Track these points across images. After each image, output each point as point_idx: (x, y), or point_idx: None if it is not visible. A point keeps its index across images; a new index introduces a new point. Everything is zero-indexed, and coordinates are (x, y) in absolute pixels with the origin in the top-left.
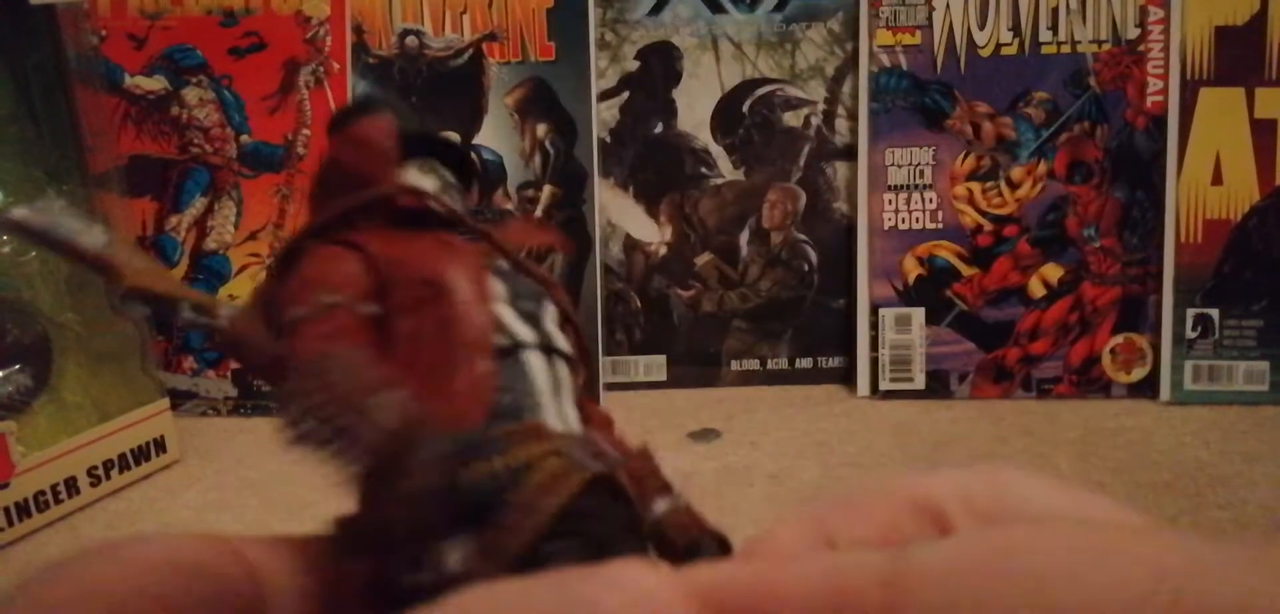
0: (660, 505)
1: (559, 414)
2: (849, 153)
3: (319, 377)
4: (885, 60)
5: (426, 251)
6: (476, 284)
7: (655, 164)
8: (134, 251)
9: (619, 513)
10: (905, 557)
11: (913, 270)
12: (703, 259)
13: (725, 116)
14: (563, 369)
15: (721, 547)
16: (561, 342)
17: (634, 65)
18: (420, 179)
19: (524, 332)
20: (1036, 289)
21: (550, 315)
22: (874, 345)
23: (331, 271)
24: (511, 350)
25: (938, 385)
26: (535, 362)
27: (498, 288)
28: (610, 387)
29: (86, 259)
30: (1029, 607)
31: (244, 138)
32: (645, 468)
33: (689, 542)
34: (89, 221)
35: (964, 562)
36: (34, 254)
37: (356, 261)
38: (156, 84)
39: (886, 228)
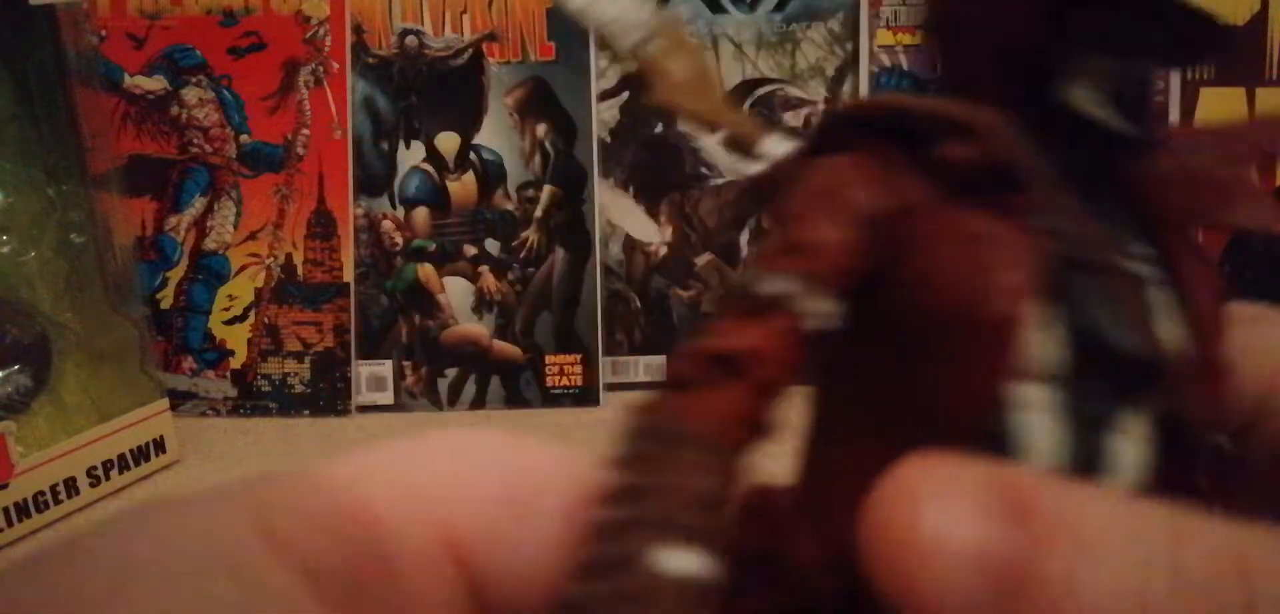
0: None
1: None
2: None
3: (628, 463)
4: (885, 60)
5: (972, 233)
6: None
7: (655, 164)
8: (680, 52)
9: None
10: None
11: None
12: (703, 259)
13: None
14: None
15: None
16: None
17: (634, 65)
18: (1078, 94)
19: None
20: None
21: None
22: None
23: (819, 213)
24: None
25: None
26: (1126, 448)
27: (1044, 342)
28: (610, 387)
29: (627, 54)
30: None
31: (243, 138)
32: None
33: None
34: (638, 9)
35: None
36: (34, 254)
37: (866, 202)
38: (156, 84)
39: None
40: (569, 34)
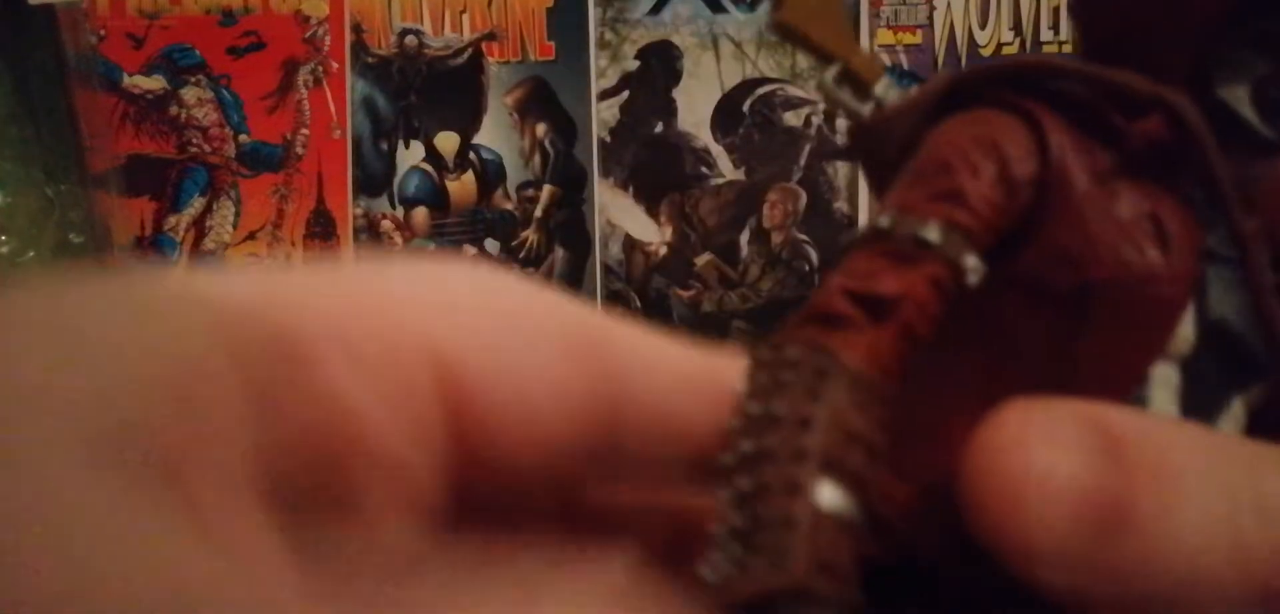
0: None
1: None
2: (850, 152)
3: (765, 395)
4: (886, 60)
5: (1134, 209)
6: (1180, 297)
7: (655, 164)
8: None
9: None
10: None
11: None
12: (703, 259)
13: (726, 116)
14: None
15: None
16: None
17: (634, 65)
18: (1232, 92)
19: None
20: None
21: None
22: None
23: (976, 166)
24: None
25: None
26: (1230, 431)
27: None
28: None
29: None
30: None
31: (242, 137)
32: None
33: None
34: None
35: None
36: (32, 254)
37: (1025, 163)
38: (155, 83)
39: None
40: (569, 34)
